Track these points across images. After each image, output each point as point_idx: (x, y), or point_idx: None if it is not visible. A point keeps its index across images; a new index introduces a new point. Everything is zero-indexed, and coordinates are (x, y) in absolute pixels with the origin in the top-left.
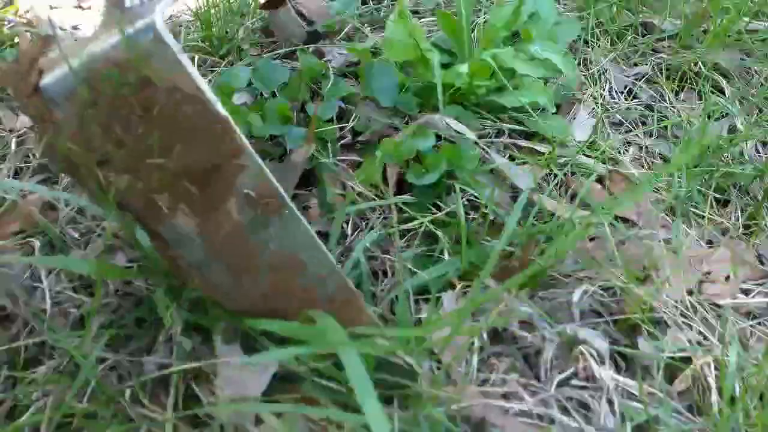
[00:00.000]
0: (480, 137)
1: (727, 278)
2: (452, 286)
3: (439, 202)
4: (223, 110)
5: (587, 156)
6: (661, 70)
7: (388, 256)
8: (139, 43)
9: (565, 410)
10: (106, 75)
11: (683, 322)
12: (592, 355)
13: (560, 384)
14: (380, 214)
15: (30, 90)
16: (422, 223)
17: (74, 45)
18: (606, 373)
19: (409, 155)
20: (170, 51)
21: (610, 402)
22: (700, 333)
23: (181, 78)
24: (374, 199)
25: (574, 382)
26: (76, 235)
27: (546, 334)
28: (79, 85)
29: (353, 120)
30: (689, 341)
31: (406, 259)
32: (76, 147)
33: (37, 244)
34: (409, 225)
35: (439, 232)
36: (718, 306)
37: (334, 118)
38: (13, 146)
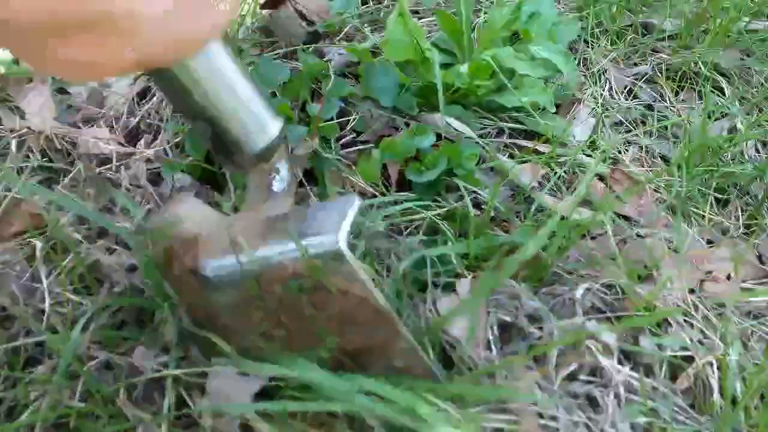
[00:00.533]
0: (480, 137)
1: (729, 277)
2: (458, 277)
3: (439, 199)
4: (387, 305)
5: (588, 156)
6: (661, 70)
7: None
8: (319, 259)
9: (572, 405)
10: (280, 279)
11: (685, 320)
12: (598, 349)
13: (568, 379)
14: (380, 209)
15: (185, 271)
16: (424, 217)
17: (223, 228)
18: (614, 366)
19: (409, 154)
20: (350, 267)
21: (617, 397)
22: (702, 332)
23: (355, 285)
24: (375, 196)
25: (581, 377)
26: (79, 237)
27: (554, 330)
28: (247, 280)
29: (353, 120)
30: (691, 340)
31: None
32: (230, 323)
33: (38, 245)
34: (411, 218)
35: (442, 225)
36: (721, 305)
37: (335, 117)
38: (13, 146)
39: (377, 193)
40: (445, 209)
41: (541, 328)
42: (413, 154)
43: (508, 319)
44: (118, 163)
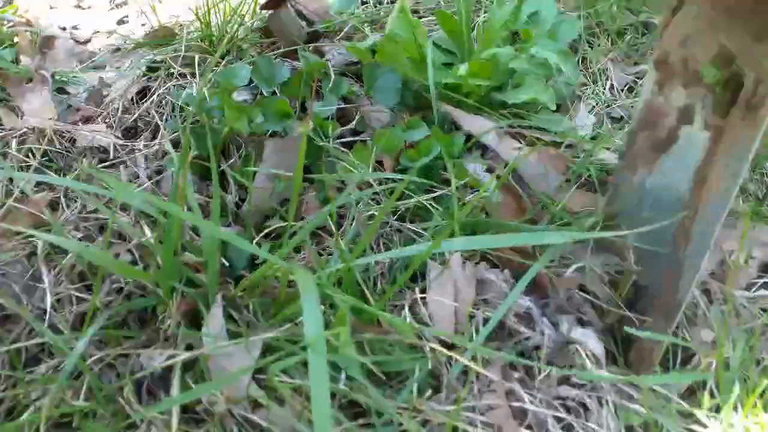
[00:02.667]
0: None
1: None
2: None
3: (432, 184)
4: None
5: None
6: None
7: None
8: None
9: (563, 410)
10: None
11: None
12: (587, 355)
13: (558, 383)
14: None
15: None
16: (418, 200)
17: None
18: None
19: (400, 145)
20: None
21: (605, 403)
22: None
23: None
24: (371, 185)
25: (574, 380)
26: (79, 236)
27: (545, 330)
28: None
29: (354, 121)
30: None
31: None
32: None
33: (39, 243)
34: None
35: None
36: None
37: (335, 117)
38: (14, 146)
39: (372, 182)
40: (434, 195)
41: (531, 328)
42: (403, 145)
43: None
44: (117, 161)
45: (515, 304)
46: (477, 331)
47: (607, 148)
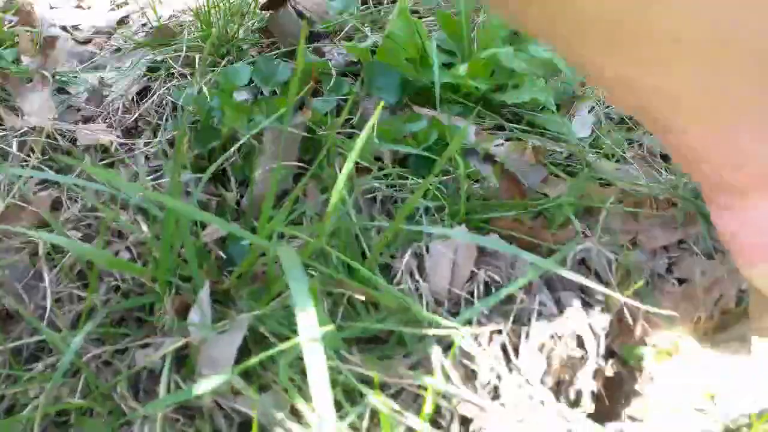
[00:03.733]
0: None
1: None
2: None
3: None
4: None
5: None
6: None
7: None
8: None
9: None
10: None
11: None
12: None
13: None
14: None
15: None
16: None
17: None
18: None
19: (399, 136)
20: None
21: None
22: None
23: None
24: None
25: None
26: (80, 235)
27: (546, 300)
28: None
29: (355, 120)
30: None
31: None
32: None
33: (40, 242)
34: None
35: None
36: None
37: (334, 113)
38: (14, 146)
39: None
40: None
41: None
42: (404, 135)
43: (497, 278)
44: (117, 160)
45: (517, 269)
46: (477, 289)
47: (607, 157)
